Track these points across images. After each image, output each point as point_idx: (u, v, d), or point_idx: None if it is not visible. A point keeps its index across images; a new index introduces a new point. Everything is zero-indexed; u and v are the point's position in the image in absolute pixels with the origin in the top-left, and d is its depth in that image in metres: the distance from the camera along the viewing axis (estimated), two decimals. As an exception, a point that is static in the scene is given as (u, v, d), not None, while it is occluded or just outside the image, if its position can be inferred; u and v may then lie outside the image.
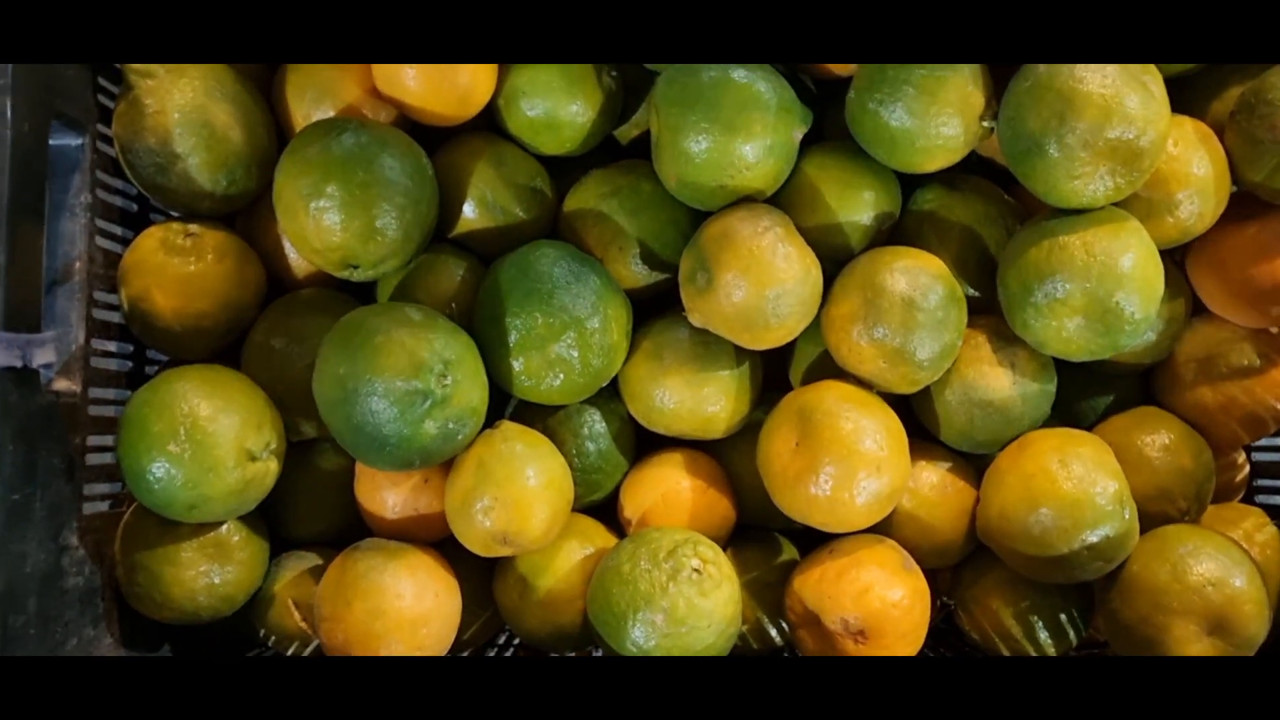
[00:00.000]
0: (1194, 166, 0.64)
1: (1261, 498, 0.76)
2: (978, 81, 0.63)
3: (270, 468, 0.64)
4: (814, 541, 0.69)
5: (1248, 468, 0.76)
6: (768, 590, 0.71)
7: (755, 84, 0.63)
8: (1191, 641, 0.62)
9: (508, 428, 0.66)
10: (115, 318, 0.68)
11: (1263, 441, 0.76)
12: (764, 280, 0.62)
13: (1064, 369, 0.69)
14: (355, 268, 0.64)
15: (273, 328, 0.68)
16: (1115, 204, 0.63)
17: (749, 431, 0.71)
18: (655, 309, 0.70)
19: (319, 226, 0.61)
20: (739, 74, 0.63)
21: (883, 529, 0.68)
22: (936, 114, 0.63)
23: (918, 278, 0.64)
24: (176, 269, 0.66)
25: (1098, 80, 0.59)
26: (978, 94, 0.63)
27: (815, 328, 0.67)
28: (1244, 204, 0.67)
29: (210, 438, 0.60)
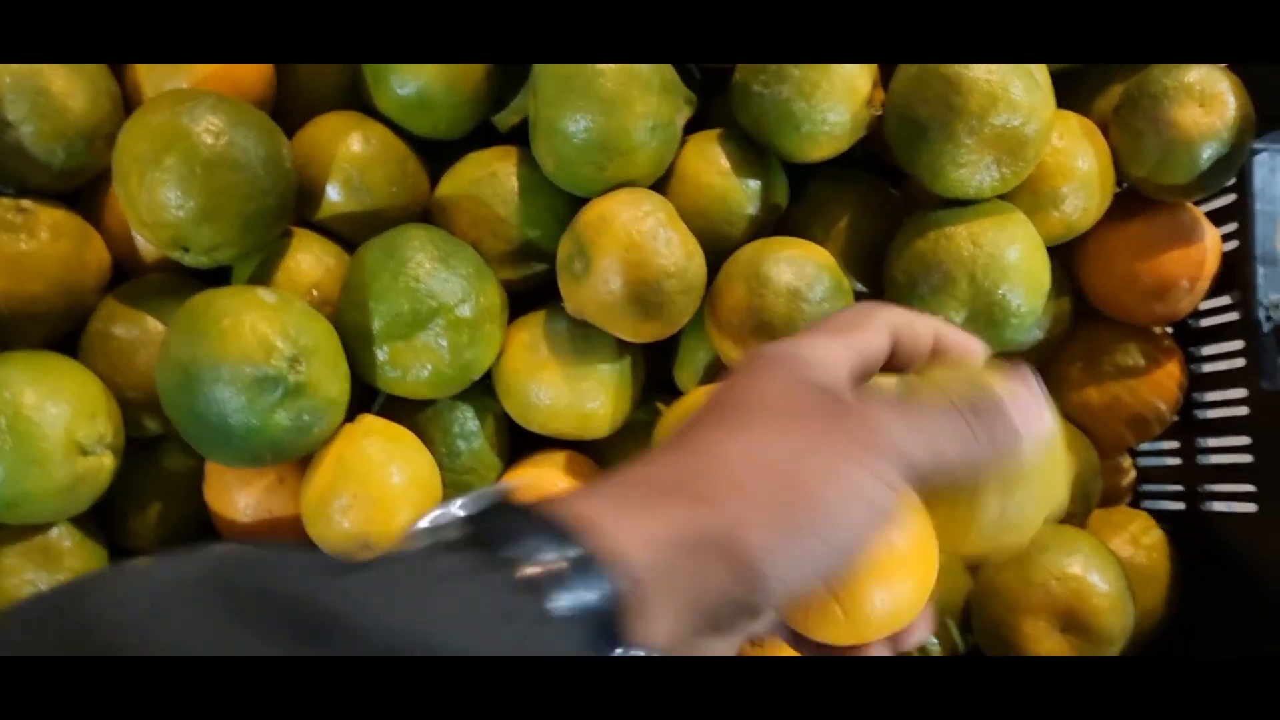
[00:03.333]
0: (1079, 160, 0.63)
1: (1147, 503, 0.76)
2: (864, 67, 0.62)
3: (105, 463, 0.58)
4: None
5: (1134, 472, 0.75)
6: (649, 598, 0.67)
7: (637, 64, 0.61)
8: (1043, 638, 0.62)
9: (370, 422, 0.61)
10: (-64, 301, 0.62)
11: (1147, 446, 0.75)
12: (645, 266, 0.59)
13: (952, 368, 0.68)
14: (186, 250, 0.59)
15: (114, 314, 0.62)
16: (1001, 197, 0.62)
17: (631, 432, 0.67)
18: (531, 302, 0.67)
19: (152, 200, 0.56)
20: (620, 52, 0.60)
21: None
22: (823, 99, 0.61)
23: (804, 268, 0.61)
24: (5, 247, 0.60)
25: (983, 68, 0.58)
26: (864, 79, 0.61)
27: (698, 323, 0.65)
28: (1129, 201, 0.66)
29: (35, 428, 0.55)
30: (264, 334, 0.55)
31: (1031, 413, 0.38)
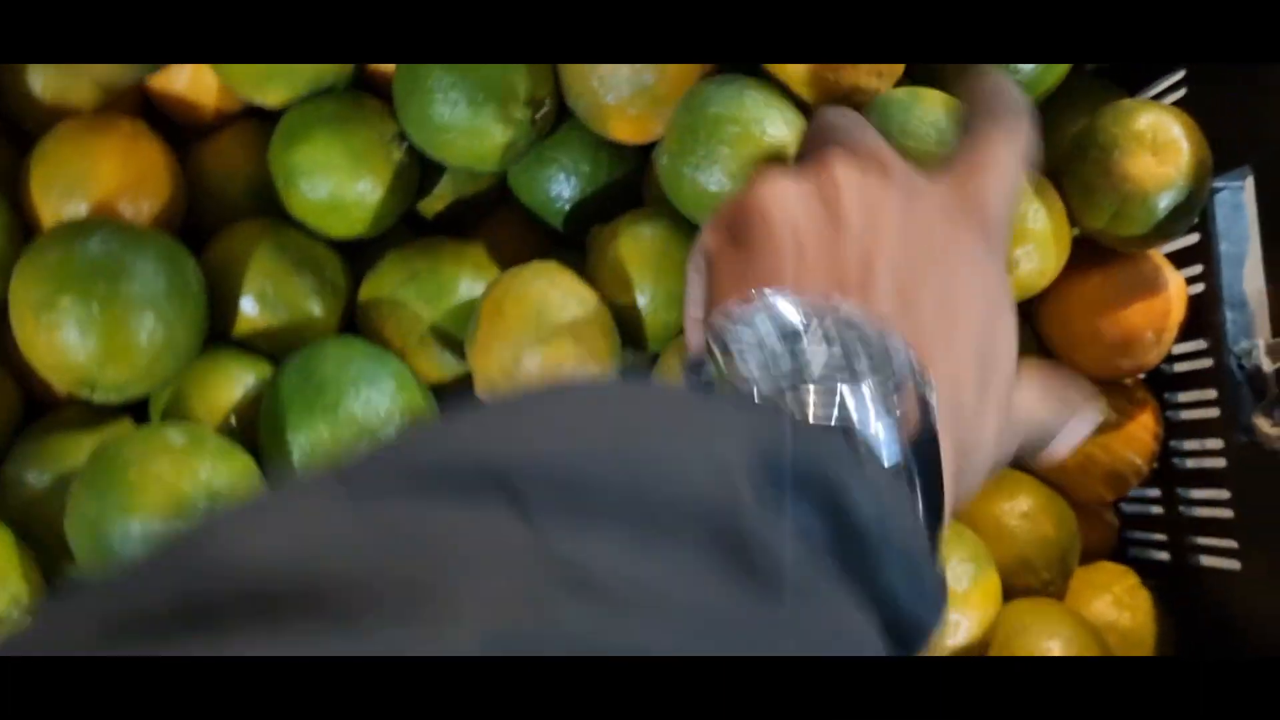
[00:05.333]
0: (1030, 220, 0.60)
1: (1134, 551, 0.72)
2: (798, 139, 0.58)
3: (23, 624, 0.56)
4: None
5: (1118, 522, 0.72)
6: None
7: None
8: None
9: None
10: None
11: (1131, 493, 0.72)
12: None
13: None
14: (93, 389, 0.56)
15: (26, 459, 0.59)
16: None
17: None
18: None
19: (51, 343, 0.54)
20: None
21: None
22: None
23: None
24: (-96, 396, 0.58)
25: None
26: (796, 152, 0.58)
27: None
28: (1086, 251, 0.63)
29: (-61, 602, 0.52)
30: (172, 483, 0.52)
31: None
